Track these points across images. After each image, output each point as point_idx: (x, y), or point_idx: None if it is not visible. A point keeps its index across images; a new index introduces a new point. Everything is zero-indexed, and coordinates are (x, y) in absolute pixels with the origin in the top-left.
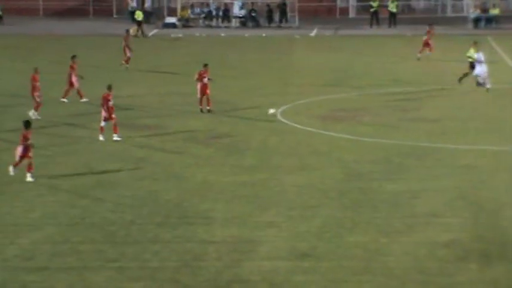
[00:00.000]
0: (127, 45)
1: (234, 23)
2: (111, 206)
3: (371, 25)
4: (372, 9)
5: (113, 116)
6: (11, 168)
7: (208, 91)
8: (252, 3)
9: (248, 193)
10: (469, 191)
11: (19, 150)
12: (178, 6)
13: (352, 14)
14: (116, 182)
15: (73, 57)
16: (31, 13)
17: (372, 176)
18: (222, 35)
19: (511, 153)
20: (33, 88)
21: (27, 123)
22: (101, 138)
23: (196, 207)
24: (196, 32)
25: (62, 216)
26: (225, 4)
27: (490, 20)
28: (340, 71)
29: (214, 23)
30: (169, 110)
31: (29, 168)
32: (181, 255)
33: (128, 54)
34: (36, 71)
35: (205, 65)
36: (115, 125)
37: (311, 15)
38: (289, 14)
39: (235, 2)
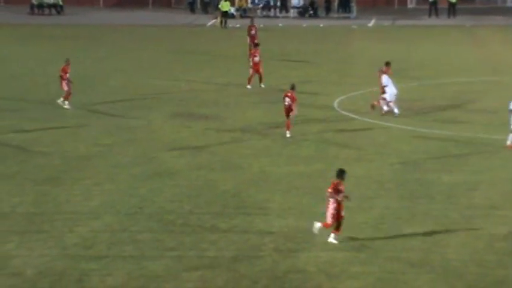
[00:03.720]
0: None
1: (292, 13)
2: (169, 196)
3: (430, 15)
4: (430, 0)
5: (291, 113)
6: (317, 226)
7: (260, 69)
8: None
9: (305, 184)
10: None
11: (331, 207)
12: None
13: (410, 4)
14: (173, 172)
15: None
16: (91, 3)
17: (429, 167)
18: (280, 25)
19: None
20: (62, 78)
21: (341, 173)
22: (288, 134)
23: (253, 197)
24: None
25: (121, 205)
26: None
27: None
28: (398, 61)
29: (272, 13)
30: (227, 100)
31: (337, 229)
32: (239, 245)
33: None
34: (67, 62)
35: (257, 45)
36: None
37: (369, 6)
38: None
39: None
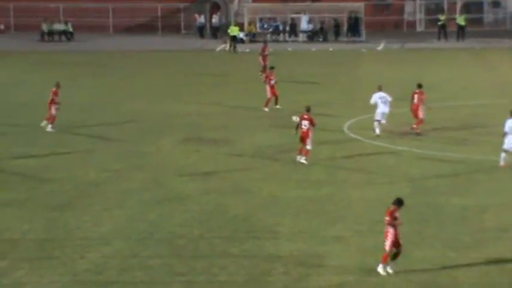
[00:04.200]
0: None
1: (301, 37)
2: (179, 221)
3: (439, 38)
4: (439, 23)
5: (307, 139)
6: (380, 268)
7: (276, 92)
8: (319, 17)
9: (315, 207)
10: None
11: (390, 235)
12: (246, 21)
13: (419, 27)
14: (183, 197)
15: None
16: (101, 30)
17: (439, 191)
18: (289, 49)
19: None
20: (53, 102)
21: (400, 202)
22: (303, 160)
23: (264, 221)
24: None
25: (131, 230)
26: (292, 19)
27: None
28: (408, 84)
29: (281, 37)
30: (237, 124)
31: (385, 259)
32: (249, 269)
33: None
34: (58, 85)
35: (272, 68)
36: (306, 150)
37: (378, 29)
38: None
39: (303, 17)
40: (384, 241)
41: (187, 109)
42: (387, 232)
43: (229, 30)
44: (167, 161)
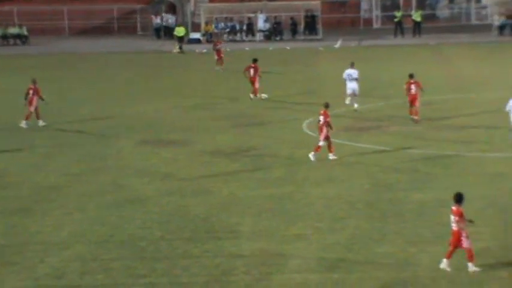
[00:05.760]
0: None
1: (258, 36)
2: (140, 223)
3: (395, 35)
4: (395, 19)
5: (329, 135)
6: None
7: (257, 84)
8: (275, 16)
9: (275, 206)
10: (499, 199)
11: (465, 234)
12: (202, 22)
13: (376, 24)
14: (143, 198)
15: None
16: (57, 32)
17: (399, 186)
18: (247, 48)
19: None
20: (32, 100)
21: (459, 197)
22: (312, 158)
23: (224, 221)
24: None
25: (91, 233)
26: (249, 18)
27: None
28: (365, 81)
29: (238, 37)
30: (196, 125)
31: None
32: (211, 270)
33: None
34: (35, 82)
35: (255, 60)
36: (330, 144)
37: (335, 27)
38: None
39: (260, 16)
40: (461, 241)
41: (145, 111)
42: (462, 234)
43: (175, 32)
44: (127, 163)
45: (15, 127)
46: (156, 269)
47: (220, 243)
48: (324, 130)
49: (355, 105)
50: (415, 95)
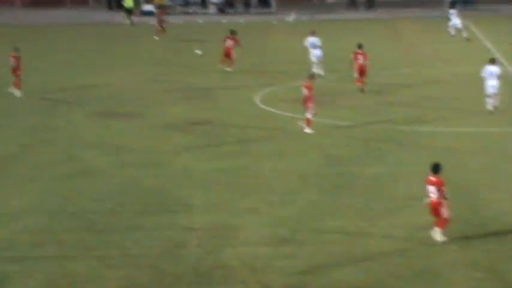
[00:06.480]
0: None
1: (212, 9)
2: (91, 195)
3: (348, 8)
4: None
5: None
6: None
7: (232, 53)
8: None
9: (228, 179)
10: (449, 173)
11: (444, 203)
12: None
13: None
14: (95, 171)
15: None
16: (7, 3)
17: (351, 160)
18: (200, 21)
19: (489, 134)
20: (17, 67)
21: (436, 167)
22: (308, 131)
23: (176, 194)
24: (174, 19)
25: (42, 205)
26: None
27: (467, 2)
28: None
29: (191, 9)
30: (148, 97)
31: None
32: (162, 242)
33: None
34: (16, 50)
35: (234, 32)
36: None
37: (288, 1)
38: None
39: None
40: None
41: (98, 83)
42: (440, 202)
43: (123, 3)
44: (79, 134)
45: None
46: (107, 241)
47: (172, 216)
48: (309, 103)
49: (322, 73)
50: (363, 65)
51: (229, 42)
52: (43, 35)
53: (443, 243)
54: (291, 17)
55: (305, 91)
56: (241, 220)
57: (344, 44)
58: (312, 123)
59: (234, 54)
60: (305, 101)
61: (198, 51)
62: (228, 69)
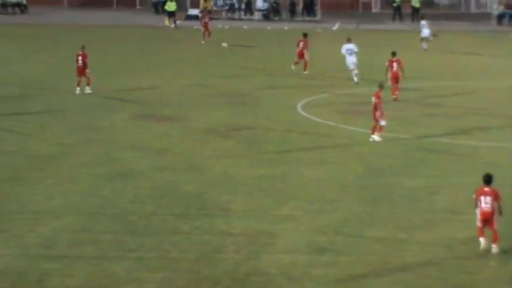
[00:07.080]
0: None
1: (257, 15)
2: (131, 197)
3: (393, 20)
4: (394, 4)
5: (376, 114)
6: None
7: (306, 56)
8: None
9: (267, 186)
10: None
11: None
12: None
13: (375, 8)
14: (136, 173)
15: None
16: (55, 3)
17: (392, 171)
18: (245, 27)
19: None
20: (85, 65)
21: (489, 178)
22: (377, 138)
23: (216, 199)
24: (219, 24)
25: (82, 205)
26: None
27: None
28: (362, 65)
29: (236, 15)
30: (190, 102)
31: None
32: (200, 246)
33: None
34: (84, 48)
35: (305, 35)
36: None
37: (333, 9)
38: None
39: None
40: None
41: (141, 85)
42: (494, 213)
43: (166, 7)
44: (120, 136)
45: (7, 96)
46: (145, 243)
47: (211, 220)
48: (379, 110)
49: (356, 80)
50: (397, 73)
51: (302, 45)
52: (88, 35)
53: (491, 256)
54: (336, 26)
55: (374, 99)
56: (280, 227)
57: (387, 55)
58: (381, 130)
59: (307, 56)
60: (374, 109)
61: (225, 44)
62: (305, 72)
